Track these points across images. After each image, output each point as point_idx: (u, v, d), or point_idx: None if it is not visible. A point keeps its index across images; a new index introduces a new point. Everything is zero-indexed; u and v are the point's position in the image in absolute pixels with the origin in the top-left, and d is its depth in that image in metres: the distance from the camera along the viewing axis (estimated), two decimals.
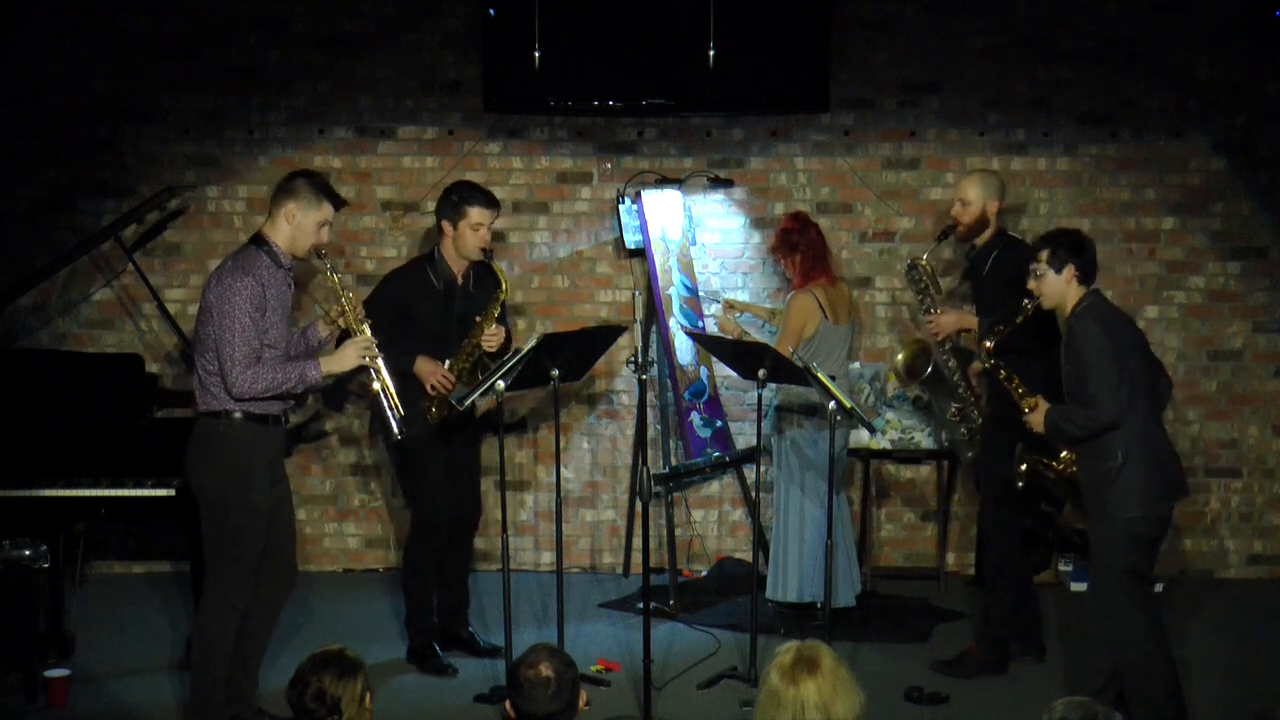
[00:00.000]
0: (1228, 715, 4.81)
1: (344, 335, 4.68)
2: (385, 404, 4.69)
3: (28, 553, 5.00)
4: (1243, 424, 6.65)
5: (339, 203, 4.61)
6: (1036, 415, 4.58)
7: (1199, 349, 6.64)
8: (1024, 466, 4.67)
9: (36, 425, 5.35)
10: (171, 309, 6.25)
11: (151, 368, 6.34)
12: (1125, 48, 6.52)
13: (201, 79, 6.60)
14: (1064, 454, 4.63)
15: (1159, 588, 6.35)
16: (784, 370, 5.15)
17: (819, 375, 4.97)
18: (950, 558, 6.48)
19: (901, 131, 6.63)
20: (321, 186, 4.56)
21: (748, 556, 6.39)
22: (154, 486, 5.15)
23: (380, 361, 4.63)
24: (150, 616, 5.94)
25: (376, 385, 4.69)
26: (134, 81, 6.58)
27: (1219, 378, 6.65)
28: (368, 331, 4.61)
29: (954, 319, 5.19)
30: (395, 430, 4.71)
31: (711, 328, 6.49)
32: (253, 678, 4.63)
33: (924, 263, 5.37)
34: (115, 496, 5.17)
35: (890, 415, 6.30)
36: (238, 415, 4.43)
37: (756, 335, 5.99)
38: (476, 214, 5.21)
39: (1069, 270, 4.48)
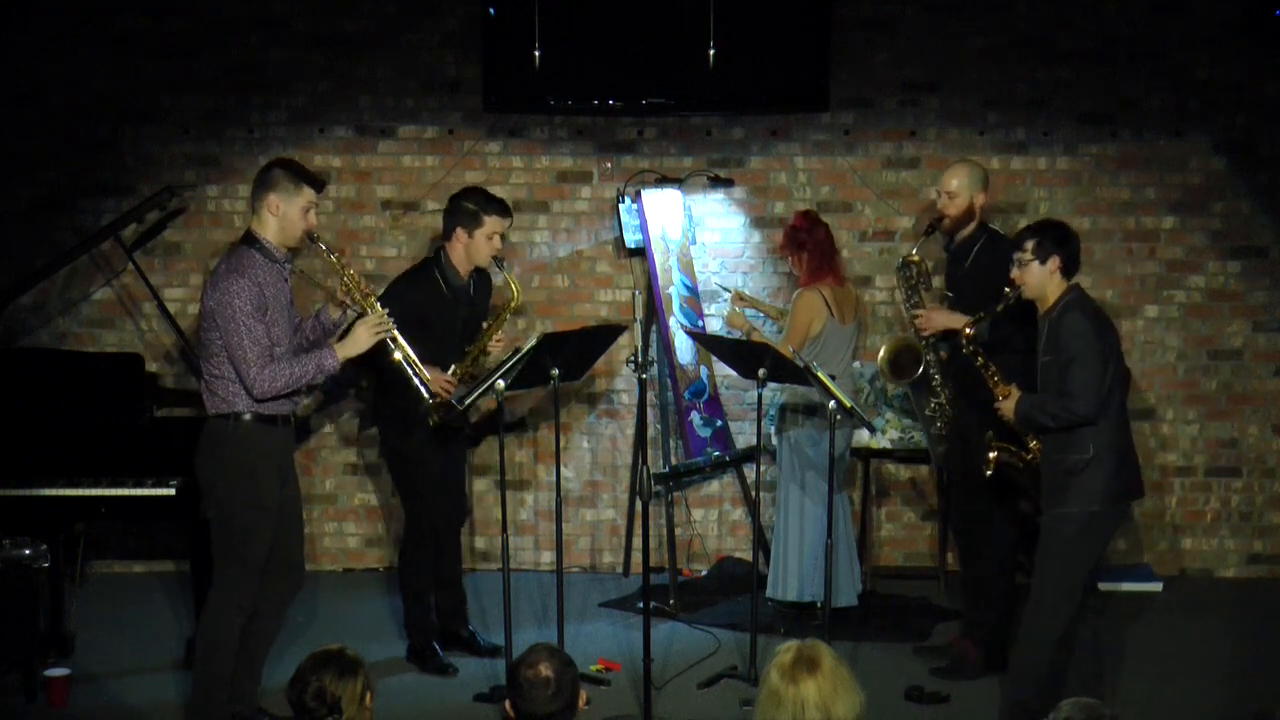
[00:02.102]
0: (1227, 714, 4.80)
1: (358, 318, 4.62)
2: (410, 371, 4.73)
3: (28, 552, 5.01)
4: (1243, 423, 6.65)
5: (318, 185, 4.56)
6: (1009, 404, 4.58)
7: (1199, 348, 6.64)
8: (993, 455, 4.66)
9: (36, 424, 5.35)
10: (171, 308, 6.25)
11: (151, 367, 6.35)
12: (1125, 48, 6.53)
13: (201, 79, 6.61)
14: (1034, 444, 4.63)
15: (1158, 587, 6.36)
16: (784, 370, 5.15)
17: (819, 375, 4.98)
18: (950, 557, 6.46)
19: (901, 131, 6.64)
20: (298, 171, 4.52)
21: (748, 556, 6.37)
22: (154, 486, 5.16)
23: (395, 332, 4.63)
24: (150, 616, 5.95)
25: (398, 355, 4.71)
26: (134, 81, 6.59)
27: (1219, 377, 6.65)
28: (378, 307, 4.59)
29: (945, 318, 5.13)
30: (426, 395, 4.77)
31: (713, 325, 6.50)
32: (256, 676, 4.64)
33: (915, 258, 5.31)
34: (115, 496, 5.17)
35: (890, 415, 6.29)
36: (247, 417, 4.42)
37: (765, 331, 5.98)
38: (493, 223, 5.22)
39: (1054, 262, 4.49)
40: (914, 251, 5.35)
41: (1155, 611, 6.03)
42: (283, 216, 4.45)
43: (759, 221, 6.68)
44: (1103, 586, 5.11)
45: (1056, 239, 4.53)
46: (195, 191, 6.66)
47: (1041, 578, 4.49)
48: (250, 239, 4.47)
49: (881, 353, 5.38)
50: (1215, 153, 6.57)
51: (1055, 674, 4.45)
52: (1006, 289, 4.59)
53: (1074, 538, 4.42)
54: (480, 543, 6.55)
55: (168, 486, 5.13)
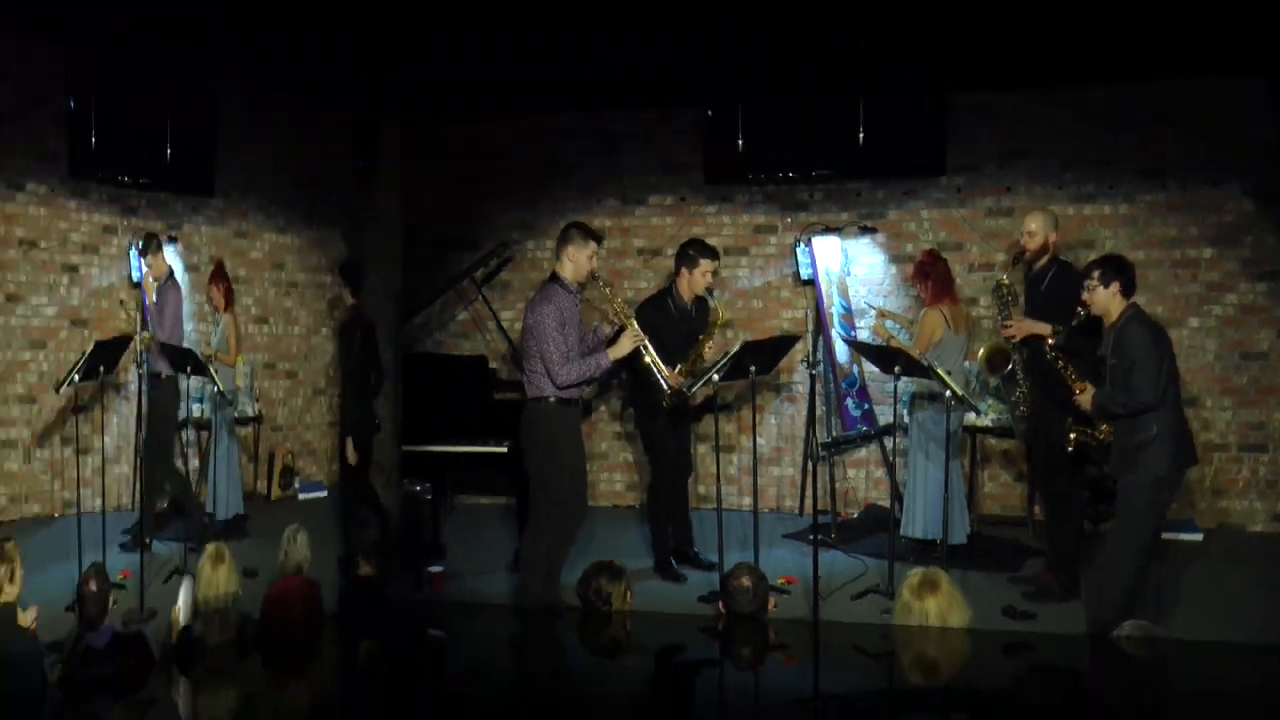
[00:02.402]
0: (1255, 642, 4.38)
1: (619, 331, 4.72)
2: (654, 369, 4.81)
3: (419, 489, 5.33)
4: (1269, 410, 6.17)
5: (599, 239, 4.62)
6: (1085, 397, 4.39)
7: (1233, 351, 6.19)
8: (1073, 435, 4.48)
9: (424, 403, 5.60)
10: (505, 325, 6.65)
11: (492, 365, 6.63)
12: (1171, 118, 6.12)
13: (520, 169, 6.96)
14: (1104, 427, 4.43)
15: (1199, 537, 5.92)
16: (913, 367, 5.03)
17: (939, 371, 4.88)
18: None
19: (1000, 188, 6.43)
20: (585, 230, 4.58)
21: (887, 504, 6.31)
22: (494, 445, 5.33)
23: (647, 341, 4.70)
24: (492, 534, 6.04)
25: (647, 359, 4.79)
26: (476, 172, 6.98)
27: (1249, 374, 6.19)
28: (635, 324, 4.66)
29: (1029, 326, 4.87)
30: (665, 386, 4.83)
31: (863, 335, 6.44)
32: (556, 578, 4.70)
33: (1007, 283, 5.08)
34: (470, 452, 5.38)
35: (991, 401, 6.13)
36: (552, 400, 4.50)
37: (900, 338, 5.91)
38: (706, 264, 5.24)
39: (1115, 286, 4.29)
40: (1005, 278, 5.13)
41: (1199, 559, 5.55)
42: (575, 262, 4.54)
43: (895, 258, 6.58)
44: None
45: (1117, 268, 4.34)
46: (519, 245, 7.00)
47: (1121, 532, 4.29)
48: (554, 277, 4.57)
49: (980, 353, 5.25)
50: (1244, 197, 6.10)
51: (1130, 601, 4.21)
52: (1079, 308, 4.39)
53: (1144, 500, 4.21)
54: (701, 489, 6.55)
55: (502, 446, 5.28)
